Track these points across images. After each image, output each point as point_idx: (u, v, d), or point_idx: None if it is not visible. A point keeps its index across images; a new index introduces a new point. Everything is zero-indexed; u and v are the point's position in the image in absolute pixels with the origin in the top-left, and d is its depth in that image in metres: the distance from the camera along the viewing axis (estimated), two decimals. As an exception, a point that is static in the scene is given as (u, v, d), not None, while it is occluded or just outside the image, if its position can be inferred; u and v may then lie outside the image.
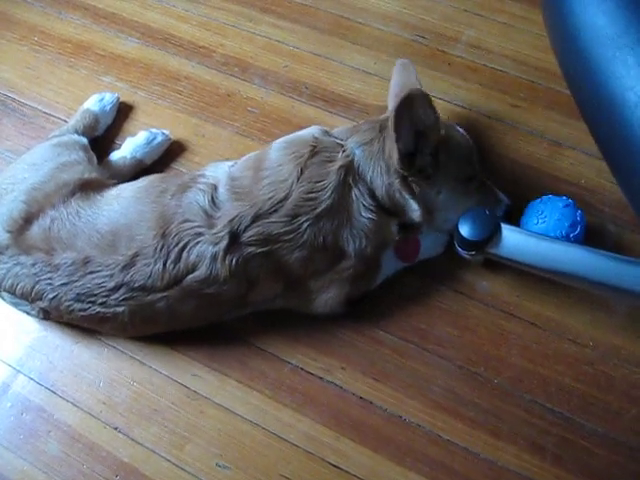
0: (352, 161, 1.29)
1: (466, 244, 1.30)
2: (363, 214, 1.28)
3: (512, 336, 1.39)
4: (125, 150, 1.58)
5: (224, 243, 1.24)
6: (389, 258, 1.39)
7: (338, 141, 1.33)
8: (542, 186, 1.51)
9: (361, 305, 1.42)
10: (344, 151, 1.30)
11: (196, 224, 1.26)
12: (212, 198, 1.28)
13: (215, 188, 1.30)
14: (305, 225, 1.26)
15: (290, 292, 1.35)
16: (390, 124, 1.22)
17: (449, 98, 1.67)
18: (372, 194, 1.29)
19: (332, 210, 1.27)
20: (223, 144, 1.65)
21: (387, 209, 1.31)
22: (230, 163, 1.38)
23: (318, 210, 1.26)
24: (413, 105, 1.21)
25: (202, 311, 1.32)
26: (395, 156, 1.25)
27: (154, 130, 1.61)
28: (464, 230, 1.28)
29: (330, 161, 1.30)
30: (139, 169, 1.57)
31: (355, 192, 1.28)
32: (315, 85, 1.73)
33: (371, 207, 1.29)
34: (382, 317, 1.43)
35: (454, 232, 1.33)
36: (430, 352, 1.39)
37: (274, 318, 1.41)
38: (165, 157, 1.62)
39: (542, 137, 1.61)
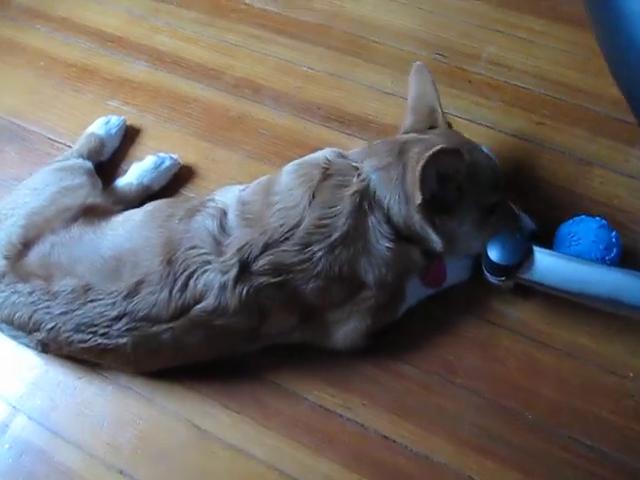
0: (368, 186, 1.20)
1: (496, 269, 1.22)
2: (381, 242, 1.20)
3: (545, 367, 1.30)
4: (131, 176, 1.51)
5: (234, 272, 1.16)
6: (413, 286, 1.31)
7: (353, 164, 1.24)
8: (572, 207, 1.43)
9: (383, 337, 1.32)
10: (359, 175, 1.21)
11: (204, 251, 1.18)
12: (221, 224, 1.21)
13: (224, 213, 1.23)
14: (319, 254, 1.18)
15: (306, 325, 1.26)
16: (415, 174, 1.13)
17: (471, 117, 1.60)
18: (389, 221, 1.20)
19: (347, 238, 1.18)
20: (234, 168, 1.58)
21: (406, 237, 1.23)
22: (241, 187, 1.30)
23: (332, 238, 1.18)
24: (440, 160, 1.12)
25: (211, 344, 1.24)
26: (417, 200, 1.15)
27: (162, 154, 1.54)
28: (494, 254, 1.20)
29: (344, 185, 1.21)
30: (146, 195, 1.50)
31: (371, 219, 1.19)
32: (329, 105, 1.66)
33: (389, 235, 1.20)
34: (405, 349, 1.34)
35: (482, 257, 1.24)
36: (457, 385, 1.29)
37: (290, 351, 1.32)
38: (173, 182, 1.55)
39: (570, 155, 1.53)
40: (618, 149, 1.53)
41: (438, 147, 1.10)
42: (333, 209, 1.19)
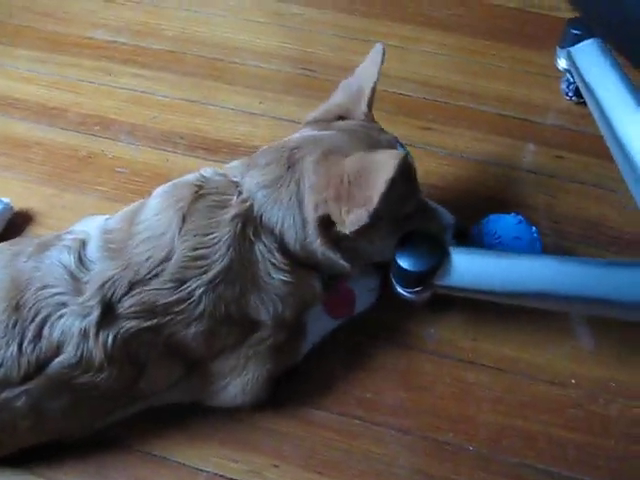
0: (251, 208, 0.98)
1: (409, 279, 1.03)
2: (273, 275, 0.98)
3: (477, 388, 1.12)
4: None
5: (95, 315, 0.92)
6: (316, 319, 1.12)
7: (233, 179, 1.02)
8: (477, 209, 1.28)
9: (285, 382, 1.11)
10: (240, 193, 0.99)
11: (58, 290, 0.93)
12: (80, 257, 0.96)
13: (84, 244, 0.98)
14: (198, 292, 0.95)
15: (195, 379, 1.03)
16: (375, 196, 0.90)
17: (351, 128, 1.44)
18: (282, 249, 0.99)
19: (231, 272, 0.96)
20: (89, 213, 1.33)
21: (305, 263, 1.02)
22: (107, 216, 1.07)
23: (211, 274, 0.95)
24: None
25: (80, 410, 0.98)
26: (347, 229, 0.95)
27: (-11, 199, 1.29)
28: (405, 262, 1.01)
29: (222, 207, 0.98)
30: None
31: (259, 248, 0.97)
32: (192, 134, 1.47)
33: (283, 266, 0.98)
34: (314, 392, 1.12)
35: (391, 268, 1.05)
36: (382, 426, 1.09)
37: (173, 414, 1.08)
38: (13, 235, 1.29)
39: (462, 157, 1.40)
40: (513, 146, 1.43)
41: (396, 160, 0.89)
42: (209, 237, 0.96)
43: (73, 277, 0.94)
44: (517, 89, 1.53)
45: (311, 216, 0.97)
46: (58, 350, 0.92)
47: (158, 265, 0.95)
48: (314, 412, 1.11)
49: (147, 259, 0.95)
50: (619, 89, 1.20)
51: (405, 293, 1.07)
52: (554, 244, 1.25)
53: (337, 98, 1.12)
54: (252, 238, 0.97)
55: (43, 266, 0.96)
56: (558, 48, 1.44)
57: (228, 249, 0.96)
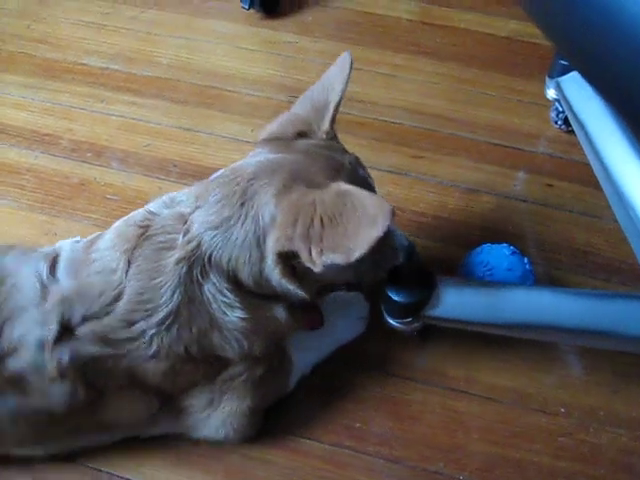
0: (198, 247, 0.92)
1: (399, 310, 1.04)
2: (228, 313, 0.94)
3: (468, 418, 1.12)
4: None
5: (53, 328, 0.91)
6: (303, 348, 1.11)
7: (184, 210, 0.96)
8: (467, 239, 1.30)
9: (273, 410, 1.11)
10: (187, 232, 0.93)
11: (27, 294, 0.94)
12: (51, 267, 0.96)
13: (56, 258, 0.98)
14: (149, 334, 0.93)
15: (173, 412, 1.03)
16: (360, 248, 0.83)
17: (342, 156, 1.45)
18: (235, 285, 0.94)
19: (179, 315, 0.93)
20: (80, 240, 1.34)
21: (263, 295, 0.98)
22: (78, 238, 1.07)
23: (158, 317, 0.92)
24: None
25: (30, 421, 0.96)
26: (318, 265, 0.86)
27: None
28: (395, 293, 1.02)
29: (167, 248, 0.94)
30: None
31: (208, 288, 0.93)
32: (185, 162, 1.47)
33: (237, 304, 0.94)
34: (302, 421, 1.12)
35: (381, 298, 1.06)
36: (372, 455, 1.08)
37: (160, 441, 1.07)
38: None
39: (453, 185, 1.41)
40: (503, 174, 1.43)
41: (387, 218, 0.81)
42: (155, 281, 0.92)
43: (42, 285, 0.94)
44: (508, 117, 1.53)
45: (271, 251, 0.90)
46: (15, 351, 0.91)
47: (109, 304, 0.93)
48: (304, 442, 1.10)
49: (100, 295, 0.93)
50: (606, 120, 1.21)
51: (395, 324, 1.07)
52: (543, 272, 1.25)
53: (299, 110, 1.04)
54: (200, 280, 0.92)
55: (23, 268, 0.96)
56: (547, 78, 1.45)
57: (173, 293, 0.92)
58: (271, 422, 1.10)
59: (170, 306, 0.92)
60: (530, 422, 1.11)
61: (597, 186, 1.23)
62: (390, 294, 1.03)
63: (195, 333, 0.94)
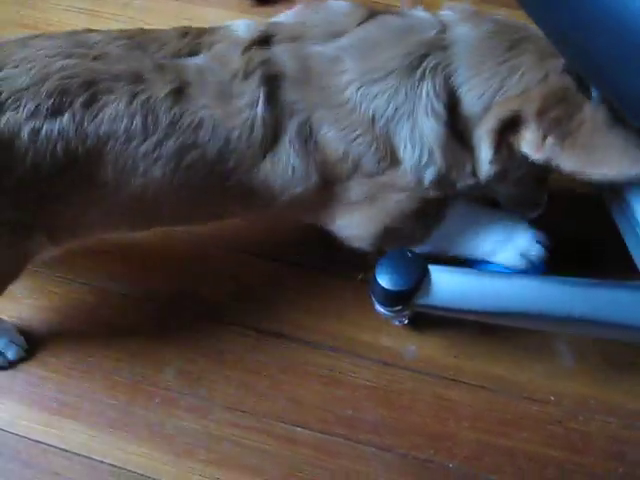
0: (447, 47, 0.93)
1: (389, 298, 1.04)
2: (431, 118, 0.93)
3: (459, 406, 1.12)
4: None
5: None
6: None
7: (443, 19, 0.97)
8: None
9: (267, 400, 1.12)
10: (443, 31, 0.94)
11: None
12: None
13: None
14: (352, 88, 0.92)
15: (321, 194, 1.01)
16: None
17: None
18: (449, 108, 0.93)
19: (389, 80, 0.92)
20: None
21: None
22: None
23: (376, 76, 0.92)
24: None
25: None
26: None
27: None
28: (384, 279, 1.02)
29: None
30: None
31: (427, 87, 0.92)
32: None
33: (441, 115, 0.93)
34: (294, 409, 1.12)
35: (371, 285, 1.06)
36: (363, 444, 1.09)
37: (158, 428, 1.08)
38: None
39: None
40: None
41: None
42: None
43: None
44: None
45: (503, 109, 0.91)
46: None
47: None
48: (293, 429, 1.11)
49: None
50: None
51: (385, 311, 1.08)
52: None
53: None
54: (425, 74, 0.92)
55: None
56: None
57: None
58: (263, 410, 1.11)
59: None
60: (520, 410, 1.11)
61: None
62: (380, 281, 1.03)
63: (392, 110, 0.93)
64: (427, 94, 0.92)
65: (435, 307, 1.04)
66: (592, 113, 0.88)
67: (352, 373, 1.15)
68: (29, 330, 1.19)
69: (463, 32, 0.95)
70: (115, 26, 1.69)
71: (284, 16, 1.02)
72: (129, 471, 1.07)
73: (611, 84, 0.73)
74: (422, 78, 0.92)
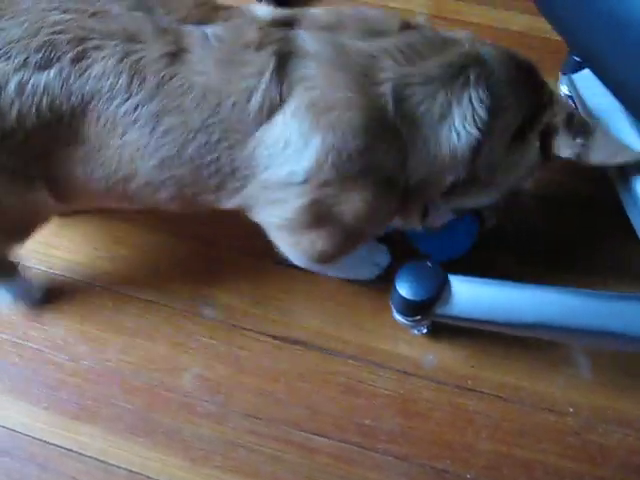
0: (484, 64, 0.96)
1: (409, 308, 1.04)
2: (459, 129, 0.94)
3: (476, 416, 1.12)
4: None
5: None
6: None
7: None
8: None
9: (285, 408, 1.12)
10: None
11: None
12: None
13: None
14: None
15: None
16: None
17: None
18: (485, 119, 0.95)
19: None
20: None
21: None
22: None
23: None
24: None
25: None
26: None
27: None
28: (404, 289, 1.02)
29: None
30: None
31: (471, 93, 0.94)
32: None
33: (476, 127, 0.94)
34: (311, 417, 1.12)
35: (391, 295, 1.06)
36: (380, 453, 1.09)
37: (172, 434, 1.07)
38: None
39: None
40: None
41: None
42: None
43: None
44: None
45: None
46: None
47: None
48: (311, 437, 1.11)
49: None
50: (620, 117, 1.21)
51: (405, 321, 1.08)
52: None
53: None
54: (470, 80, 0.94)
55: None
56: (560, 74, 1.44)
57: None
58: (280, 417, 1.11)
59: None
60: (538, 421, 1.11)
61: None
62: (400, 291, 1.03)
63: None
64: (469, 101, 0.93)
65: (455, 317, 1.04)
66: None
67: (370, 382, 1.15)
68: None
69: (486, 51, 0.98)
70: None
71: (314, 9, 1.01)
72: (145, 476, 1.08)
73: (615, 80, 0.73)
74: (464, 86, 0.93)
